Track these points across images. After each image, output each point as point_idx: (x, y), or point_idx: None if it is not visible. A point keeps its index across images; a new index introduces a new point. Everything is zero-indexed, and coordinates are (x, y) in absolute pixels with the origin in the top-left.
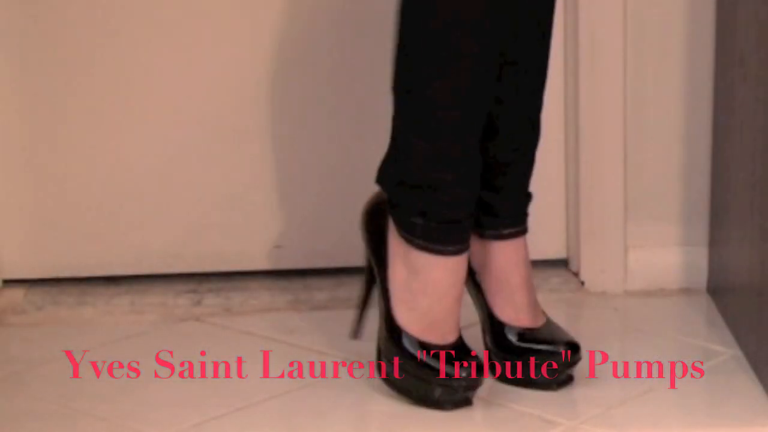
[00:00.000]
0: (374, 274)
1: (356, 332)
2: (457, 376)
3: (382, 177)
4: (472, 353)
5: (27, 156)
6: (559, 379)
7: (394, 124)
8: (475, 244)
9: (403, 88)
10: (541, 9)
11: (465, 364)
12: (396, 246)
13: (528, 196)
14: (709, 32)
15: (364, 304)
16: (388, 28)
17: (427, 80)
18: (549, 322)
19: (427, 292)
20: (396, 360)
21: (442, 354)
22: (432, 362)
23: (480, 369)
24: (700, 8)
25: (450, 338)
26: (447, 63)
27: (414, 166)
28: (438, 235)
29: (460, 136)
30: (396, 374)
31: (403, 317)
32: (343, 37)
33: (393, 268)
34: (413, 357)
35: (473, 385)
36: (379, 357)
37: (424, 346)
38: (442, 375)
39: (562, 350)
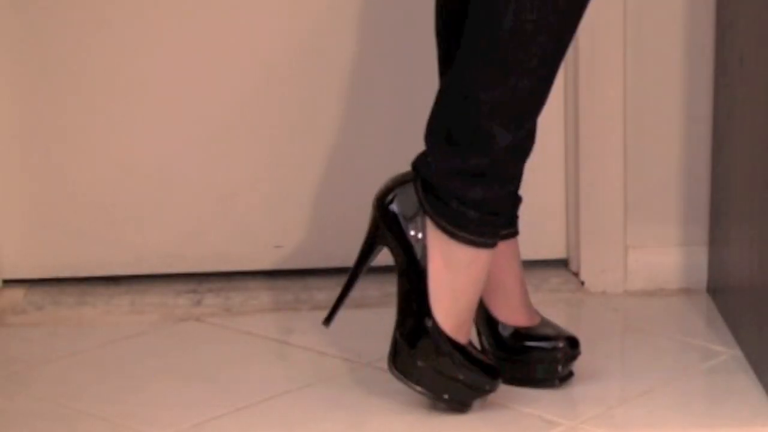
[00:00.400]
0: (365, 263)
1: (329, 320)
2: (483, 378)
3: (427, 167)
4: (486, 355)
5: (27, 156)
6: (561, 374)
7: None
8: None
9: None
10: None
11: (489, 368)
12: (436, 241)
13: (519, 198)
14: (709, 32)
15: (348, 291)
16: (389, 29)
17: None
18: (544, 321)
19: (469, 289)
20: (428, 356)
21: (471, 355)
22: (466, 363)
23: (498, 373)
24: (700, 8)
25: (468, 339)
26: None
27: (489, 154)
28: (489, 227)
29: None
30: (424, 370)
31: (441, 315)
32: (344, 37)
33: (433, 266)
34: (446, 355)
35: (495, 388)
36: (394, 351)
37: (456, 346)
38: (475, 377)
39: (561, 344)
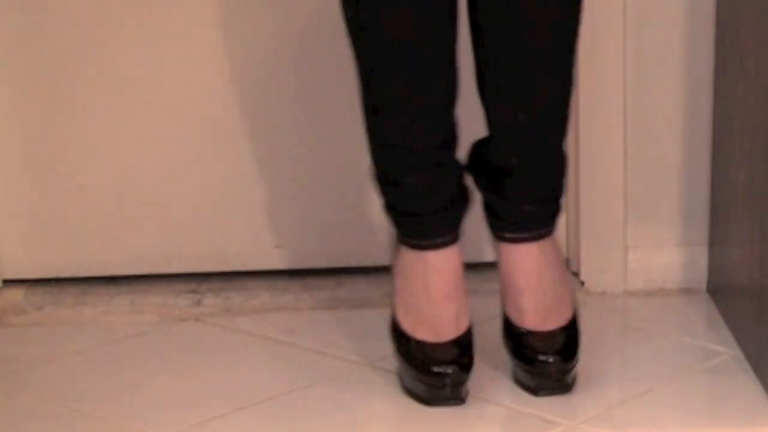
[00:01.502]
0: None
1: None
2: (436, 377)
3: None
4: (467, 355)
5: (27, 156)
6: (548, 386)
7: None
8: (495, 243)
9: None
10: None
11: (447, 363)
12: (396, 243)
13: (540, 205)
14: (709, 32)
15: None
16: None
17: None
18: (558, 331)
19: (408, 287)
20: (396, 353)
21: (429, 350)
22: (418, 358)
23: (461, 371)
24: (700, 8)
25: (445, 336)
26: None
27: (376, 158)
28: (406, 228)
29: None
30: (398, 367)
31: (399, 311)
32: (344, 37)
33: (394, 267)
34: (401, 351)
35: (455, 383)
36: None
37: (412, 341)
38: (424, 372)
39: (551, 359)
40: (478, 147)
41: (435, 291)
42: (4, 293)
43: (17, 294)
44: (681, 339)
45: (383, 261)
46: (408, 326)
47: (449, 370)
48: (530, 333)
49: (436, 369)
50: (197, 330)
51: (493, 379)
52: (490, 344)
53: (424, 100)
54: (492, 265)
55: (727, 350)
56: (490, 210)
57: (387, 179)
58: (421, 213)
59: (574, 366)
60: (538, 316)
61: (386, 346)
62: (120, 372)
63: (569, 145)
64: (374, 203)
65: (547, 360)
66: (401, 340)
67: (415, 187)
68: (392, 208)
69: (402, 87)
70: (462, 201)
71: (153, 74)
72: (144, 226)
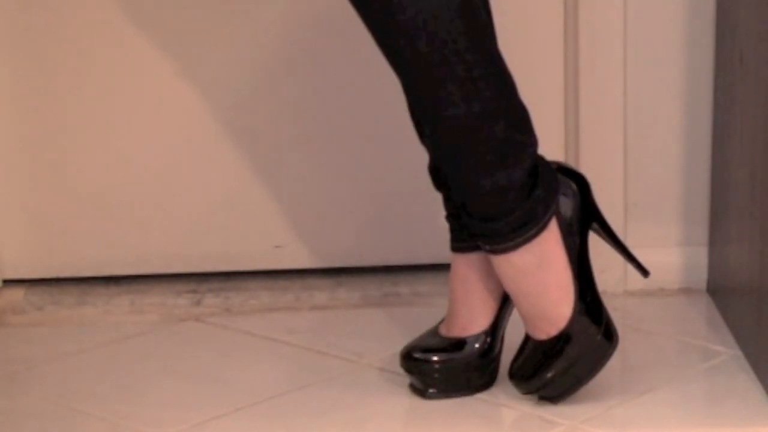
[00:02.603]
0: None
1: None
2: (416, 359)
3: None
4: (459, 355)
5: (27, 156)
6: (526, 391)
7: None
8: None
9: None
10: None
11: (429, 351)
12: None
13: (484, 223)
14: (709, 32)
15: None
16: None
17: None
18: (547, 342)
19: (451, 290)
20: None
21: (430, 342)
22: (419, 344)
23: (436, 363)
24: (700, 8)
25: (453, 333)
26: None
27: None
28: (453, 233)
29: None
30: None
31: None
32: (344, 37)
33: None
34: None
35: (419, 373)
36: None
37: (435, 331)
38: (404, 358)
39: (517, 370)
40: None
41: (451, 291)
42: (4, 293)
43: (17, 294)
44: (681, 339)
45: (383, 261)
46: (444, 323)
47: (417, 355)
48: (528, 339)
49: (415, 354)
50: (197, 330)
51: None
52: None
53: None
54: None
55: (727, 350)
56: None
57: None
58: (449, 214)
59: (535, 389)
60: (528, 324)
61: (387, 346)
62: (120, 372)
63: (569, 144)
64: (374, 203)
65: (513, 372)
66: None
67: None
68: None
69: None
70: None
71: (153, 74)
72: (144, 226)
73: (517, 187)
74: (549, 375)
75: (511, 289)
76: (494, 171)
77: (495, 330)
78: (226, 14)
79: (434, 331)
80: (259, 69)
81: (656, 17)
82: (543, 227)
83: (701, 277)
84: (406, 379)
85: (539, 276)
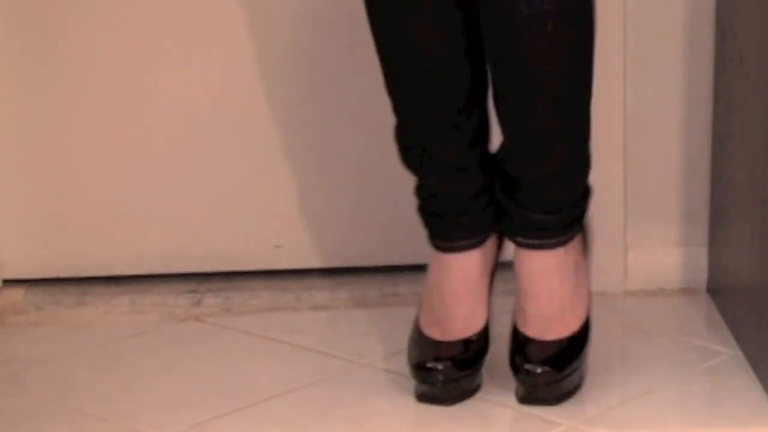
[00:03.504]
0: None
1: None
2: (430, 374)
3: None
4: (468, 356)
5: (27, 156)
6: (539, 396)
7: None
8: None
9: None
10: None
11: (441, 360)
12: None
13: (551, 215)
14: (709, 32)
15: None
16: None
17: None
18: (555, 342)
19: (432, 290)
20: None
21: (430, 347)
22: (418, 355)
23: (456, 369)
24: (700, 8)
25: (450, 336)
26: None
27: (403, 155)
28: (430, 229)
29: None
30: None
31: (420, 309)
32: (344, 38)
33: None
34: (410, 342)
35: (446, 381)
36: None
37: (423, 338)
38: (418, 367)
39: (539, 370)
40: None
41: (448, 292)
42: (4, 293)
43: (17, 294)
44: (681, 339)
45: (383, 261)
46: (423, 324)
47: (440, 366)
48: (529, 340)
49: (429, 365)
50: (197, 330)
51: (493, 379)
52: (492, 346)
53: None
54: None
55: (727, 350)
56: (503, 213)
57: (417, 180)
58: (441, 215)
59: (565, 377)
60: (539, 324)
61: (387, 346)
62: (120, 372)
63: None
64: (373, 203)
65: (534, 370)
66: (414, 335)
67: (433, 188)
68: (421, 210)
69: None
70: (484, 208)
71: (153, 75)
72: (144, 226)
73: (583, 184)
74: (574, 374)
75: (539, 286)
76: (583, 168)
77: (487, 329)
78: (227, 15)
79: (423, 336)
80: (259, 69)
81: (656, 17)
82: (583, 227)
83: (701, 277)
84: (407, 379)
85: (572, 275)
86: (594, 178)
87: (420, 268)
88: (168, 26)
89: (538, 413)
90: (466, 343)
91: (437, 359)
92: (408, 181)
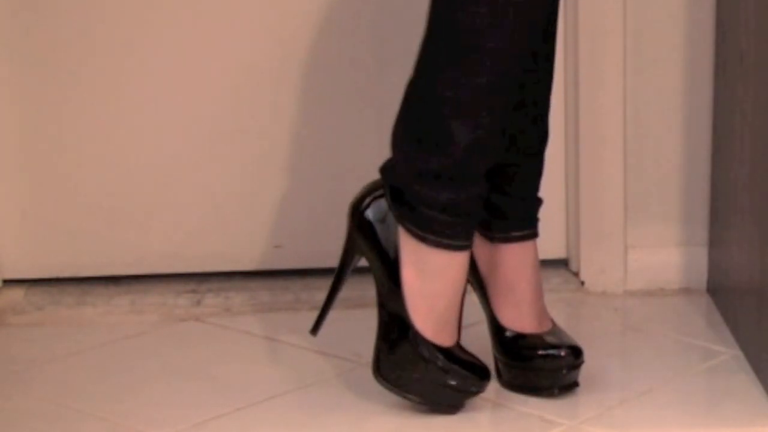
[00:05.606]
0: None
1: (316, 329)
2: (470, 380)
3: (392, 172)
4: (474, 356)
5: (27, 156)
6: (561, 383)
7: (425, 116)
8: (483, 248)
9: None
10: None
11: (477, 368)
12: (408, 246)
13: (538, 200)
14: (709, 32)
15: (332, 299)
16: (390, 29)
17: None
18: (554, 328)
19: (447, 293)
20: (411, 363)
21: (457, 357)
22: (451, 366)
23: (487, 373)
24: (700, 8)
25: (454, 339)
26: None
27: (450, 154)
28: (459, 229)
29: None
30: (410, 377)
31: (420, 321)
32: (344, 38)
33: (407, 272)
34: (429, 361)
35: (483, 389)
36: (378, 359)
37: (439, 349)
38: (460, 379)
39: (563, 353)
40: None
41: (463, 292)
42: (4, 293)
43: (17, 294)
44: (681, 339)
45: None
46: (430, 335)
47: (477, 372)
48: (531, 335)
49: (469, 375)
50: (197, 330)
51: (493, 379)
52: (488, 344)
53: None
54: None
55: (727, 350)
56: (493, 211)
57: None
58: (469, 212)
59: (583, 361)
60: (536, 318)
61: None
62: (120, 372)
63: (569, 145)
64: None
65: (559, 354)
66: (426, 350)
67: (475, 183)
68: (443, 211)
69: None
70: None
71: (153, 74)
72: (144, 226)
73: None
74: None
75: (533, 279)
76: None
77: None
78: (227, 15)
79: (443, 349)
80: (259, 69)
81: (656, 17)
82: None
83: (701, 277)
84: None
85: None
86: (594, 178)
87: None
88: (168, 26)
89: (538, 413)
90: (459, 343)
91: (471, 365)
92: None
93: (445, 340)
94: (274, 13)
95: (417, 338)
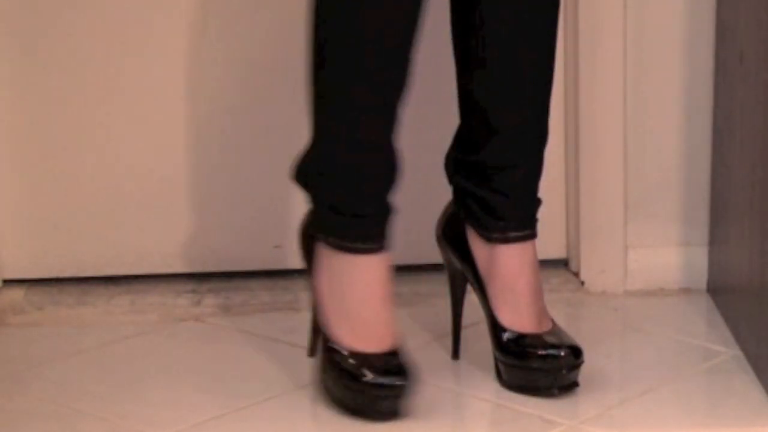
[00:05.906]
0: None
1: (312, 351)
2: (385, 385)
3: (300, 170)
4: (404, 362)
5: (27, 156)
6: (561, 383)
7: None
8: (482, 248)
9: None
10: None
11: (394, 373)
12: (319, 253)
13: (537, 201)
14: (709, 32)
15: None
16: None
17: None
18: (554, 328)
19: (364, 299)
20: (330, 369)
21: (373, 362)
22: (361, 372)
23: (406, 378)
24: (700, 8)
25: (384, 345)
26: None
27: (326, 153)
28: (358, 230)
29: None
30: (331, 383)
31: (333, 326)
32: None
33: (318, 280)
34: (343, 367)
35: (400, 395)
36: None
37: (354, 355)
38: (370, 385)
39: (563, 353)
40: (463, 149)
41: (377, 297)
42: (4, 293)
43: (17, 294)
44: (681, 339)
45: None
46: (347, 341)
47: (397, 382)
48: (531, 335)
49: (383, 381)
50: (197, 330)
51: (493, 379)
52: (488, 344)
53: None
54: None
55: (727, 350)
56: (490, 212)
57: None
58: (366, 214)
59: (583, 361)
60: (536, 318)
61: None
62: (120, 372)
63: (569, 145)
64: None
65: (559, 354)
66: (334, 353)
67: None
68: (338, 212)
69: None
70: (392, 208)
71: (153, 75)
72: (144, 226)
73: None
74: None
75: (532, 280)
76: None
77: None
78: (227, 15)
79: (355, 353)
80: (259, 69)
81: (656, 17)
82: None
83: (701, 277)
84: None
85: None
86: (594, 178)
87: (421, 268)
88: (169, 27)
89: (538, 413)
90: (397, 351)
91: (389, 374)
92: (407, 181)
93: (367, 346)
94: (275, 13)
95: (332, 350)
